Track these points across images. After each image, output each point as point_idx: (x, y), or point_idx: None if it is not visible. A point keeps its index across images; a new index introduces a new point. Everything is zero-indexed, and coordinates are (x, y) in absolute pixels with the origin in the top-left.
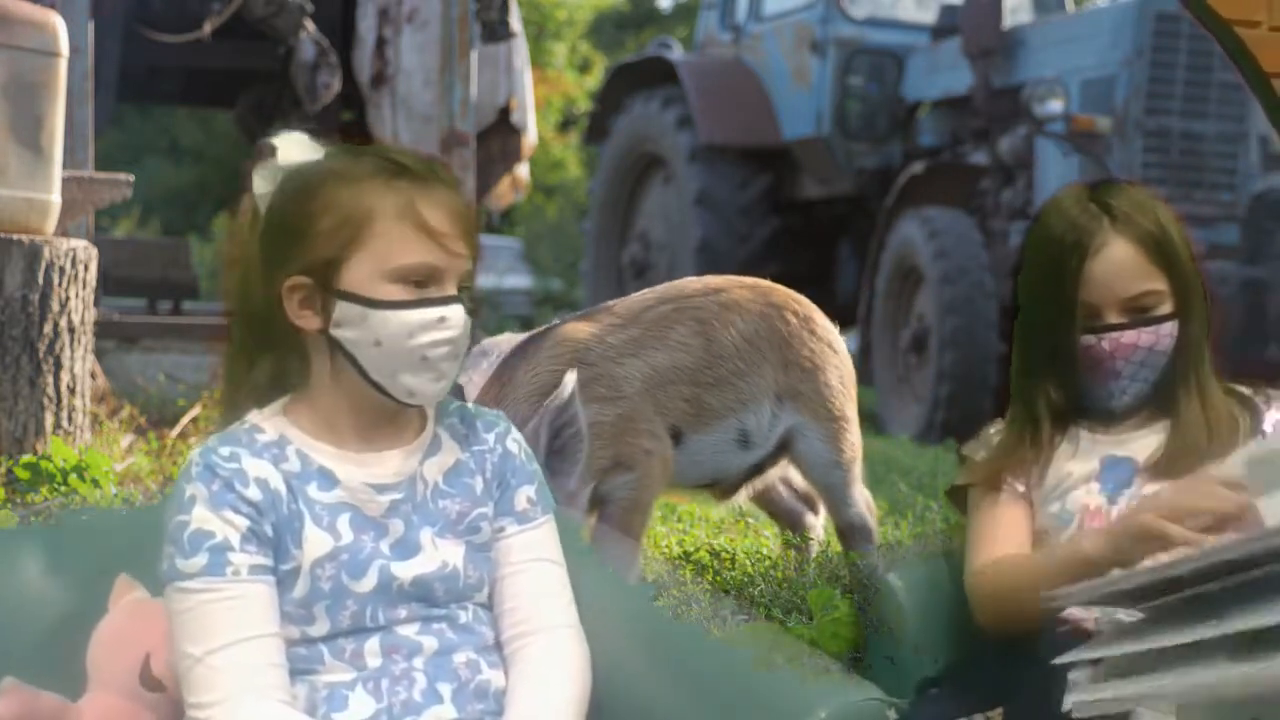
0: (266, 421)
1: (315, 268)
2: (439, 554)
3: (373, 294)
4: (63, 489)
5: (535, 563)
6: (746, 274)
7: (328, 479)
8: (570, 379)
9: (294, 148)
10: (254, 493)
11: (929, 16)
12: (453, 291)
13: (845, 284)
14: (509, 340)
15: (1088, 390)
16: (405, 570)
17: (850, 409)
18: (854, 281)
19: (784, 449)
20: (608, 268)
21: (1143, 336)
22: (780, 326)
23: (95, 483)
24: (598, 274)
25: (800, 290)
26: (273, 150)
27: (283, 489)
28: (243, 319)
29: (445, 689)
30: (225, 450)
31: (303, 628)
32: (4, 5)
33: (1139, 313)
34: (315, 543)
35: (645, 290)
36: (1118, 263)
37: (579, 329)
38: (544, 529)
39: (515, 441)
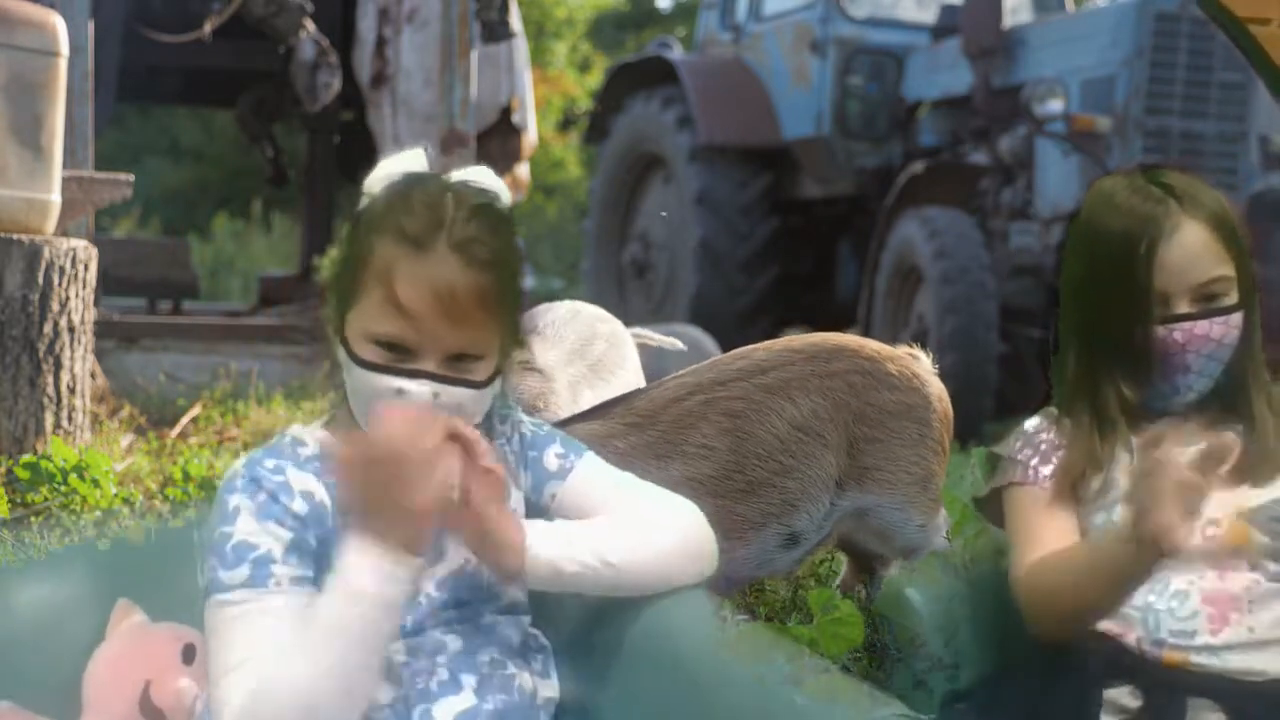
0: (308, 435)
1: (339, 302)
2: (461, 552)
3: (356, 348)
4: (63, 489)
5: (602, 486)
6: (746, 273)
7: None
8: None
9: (408, 159)
10: (299, 505)
11: (929, 16)
12: (428, 367)
13: (845, 284)
14: (558, 309)
15: (1155, 388)
16: (429, 576)
17: (934, 461)
18: (854, 281)
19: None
20: (608, 268)
21: (1214, 328)
22: (847, 399)
23: (95, 483)
24: (598, 274)
25: (800, 290)
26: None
27: (328, 502)
28: None
29: (468, 680)
30: (270, 463)
31: None
32: (4, 5)
33: (1207, 301)
34: None
35: (685, 372)
36: (1191, 246)
37: (585, 431)
38: (586, 462)
39: (523, 421)
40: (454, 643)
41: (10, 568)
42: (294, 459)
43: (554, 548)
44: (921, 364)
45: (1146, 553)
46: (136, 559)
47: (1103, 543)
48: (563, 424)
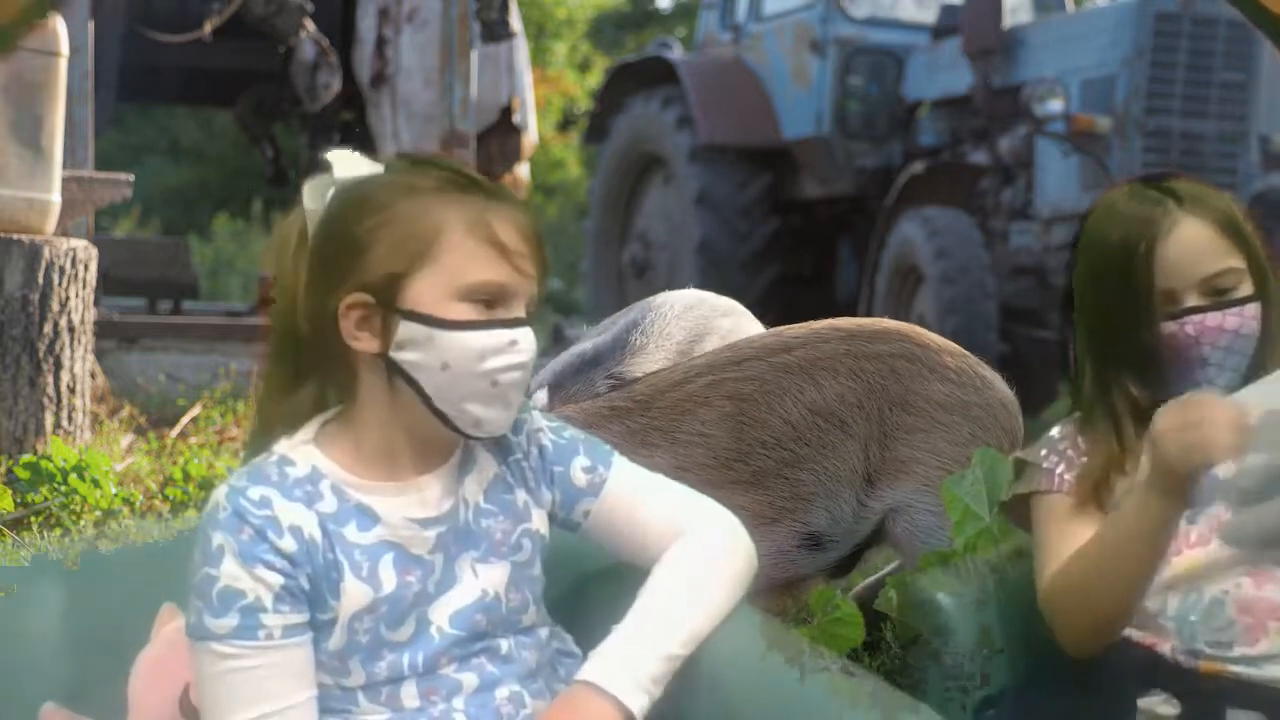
0: (295, 452)
1: (376, 285)
2: (479, 583)
3: (441, 313)
4: (63, 489)
5: (636, 499)
6: (746, 273)
7: (367, 517)
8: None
9: (350, 163)
10: (288, 543)
11: (929, 16)
12: (521, 314)
13: (845, 284)
14: (676, 298)
15: (1174, 387)
16: (443, 609)
17: None
18: (854, 281)
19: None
20: (608, 268)
21: (1227, 319)
22: (884, 383)
23: (95, 483)
24: (598, 274)
25: (800, 290)
26: (327, 166)
27: (318, 535)
28: (287, 341)
29: None
30: (255, 493)
31: (337, 679)
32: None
33: (1219, 294)
34: (354, 595)
35: (706, 352)
36: (1191, 241)
37: (566, 416)
38: (618, 474)
39: (541, 429)
40: (470, 681)
41: (59, 570)
42: (281, 485)
43: (637, 689)
44: (988, 370)
45: (1171, 486)
46: (182, 562)
47: (1117, 513)
48: (549, 406)
